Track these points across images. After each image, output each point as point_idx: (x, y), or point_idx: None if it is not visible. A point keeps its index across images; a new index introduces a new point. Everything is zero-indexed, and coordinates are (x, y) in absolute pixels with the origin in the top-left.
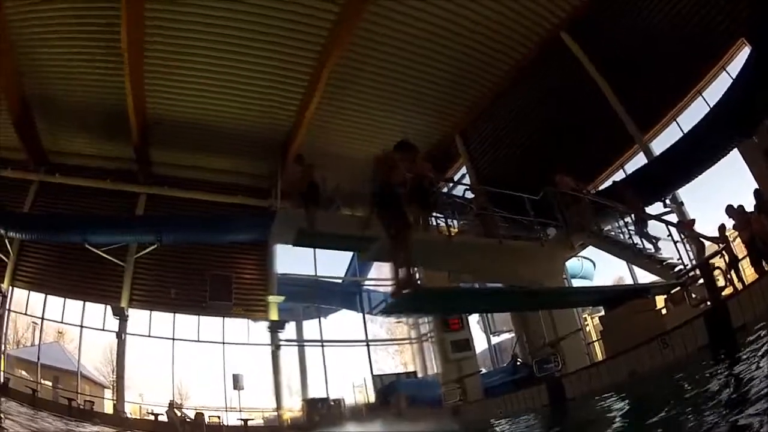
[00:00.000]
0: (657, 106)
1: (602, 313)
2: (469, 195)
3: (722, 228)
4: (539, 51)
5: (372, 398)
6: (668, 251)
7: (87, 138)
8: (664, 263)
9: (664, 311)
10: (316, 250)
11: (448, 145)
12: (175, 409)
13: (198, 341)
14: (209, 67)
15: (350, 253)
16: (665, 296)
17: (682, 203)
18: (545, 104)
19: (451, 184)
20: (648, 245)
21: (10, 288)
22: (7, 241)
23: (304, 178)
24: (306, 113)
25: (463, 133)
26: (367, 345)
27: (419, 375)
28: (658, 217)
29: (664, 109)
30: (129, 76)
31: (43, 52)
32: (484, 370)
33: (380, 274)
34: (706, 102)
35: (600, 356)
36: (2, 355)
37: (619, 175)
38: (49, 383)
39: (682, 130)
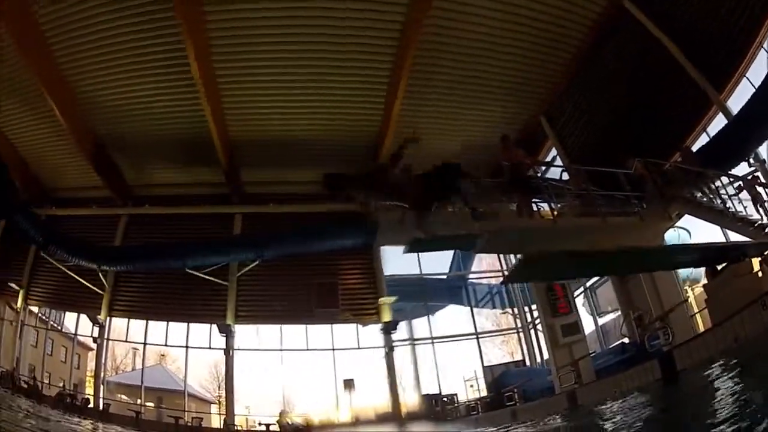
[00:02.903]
0: (726, 63)
1: (704, 282)
2: (564, 177)
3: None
4: (606, 23)
5: (483, 391)
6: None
7: (172, 168)
8: (756, 225)
9: (759, 274)
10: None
11: (535, 127)
12: (287, 418)
13: (307, 350)
14: (285, 84)
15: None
16: (760, 259)
17: (764, 161)
18: (620, 76)
19: (544, 168)
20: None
21: (108, 318)
22: (101, 274)
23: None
24: (391, 115)
25: (547, 114)
26: (477, 337)
27: (527, 363)
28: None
29: (733, 65)
30: (207, 103)
31: (110, 93)
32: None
33: (483, 266)
34: None
35: (702, 327)
36: (102, 383)
37: (703, 140)
38: (152, 404)
39: (753, 86)
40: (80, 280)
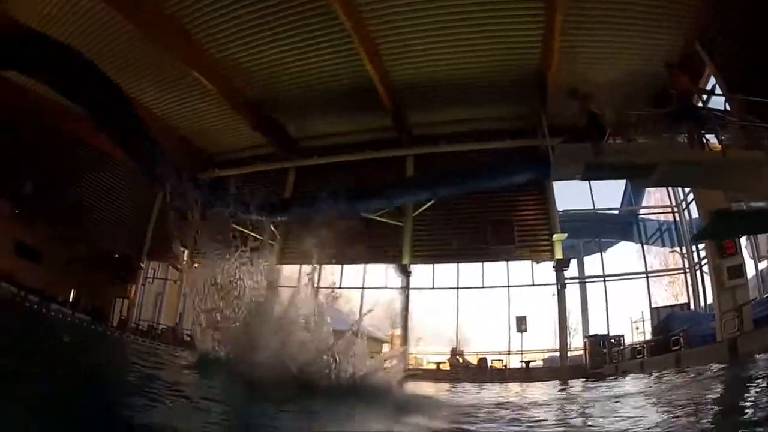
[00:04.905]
0: None
1: None
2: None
3: None
4: None
5: (648, 334)
6: None
7: (336, 118)
8: None
9: None
10: (592, 182)
11: (692, 55)
12: (457, 356)
13: (482, 287)
14: (439, 22)
15: (623, 182)
16: None
17: None
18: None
19: (706, 97)
20: None
21: (280, 267)
22: (272, 226)
23: (582, 110)
24: (552, 45)
25: (702, 40)
26: (647, 277)
27: (692, 307)
28: None
29: None
30: (364, 52)
31: (260, 56)
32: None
33: (651, 202)
34: None
35: None
36: None
37: None
38: None
39: None
40: (251, 234)
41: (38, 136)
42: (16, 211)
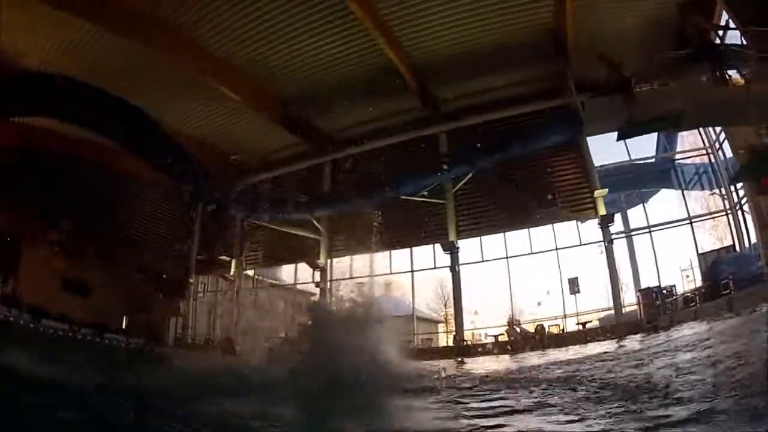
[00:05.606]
0: None
1: None
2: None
3: None
4: None
5: (699, 281)
6: None
7: (364, 105)
8: None
9: None
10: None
11: None
12: (515, 327)
13: (531, 253)
14: None
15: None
16: None
17: None
18: None
19: (722, 33)
20: None
21: (329, 261)
22: (315, 221)
23: (612, 73)
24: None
25: None
26: (690, 223)
27: (737, 249)
28: None
29: None
30: (380, 36)
31: (278, 56)
32: None
33: (685, 146)
34: None
35: None
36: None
37: None
38: None
39: None
40: (294, 232)
41: (68, 172)
42: (56, 249)
